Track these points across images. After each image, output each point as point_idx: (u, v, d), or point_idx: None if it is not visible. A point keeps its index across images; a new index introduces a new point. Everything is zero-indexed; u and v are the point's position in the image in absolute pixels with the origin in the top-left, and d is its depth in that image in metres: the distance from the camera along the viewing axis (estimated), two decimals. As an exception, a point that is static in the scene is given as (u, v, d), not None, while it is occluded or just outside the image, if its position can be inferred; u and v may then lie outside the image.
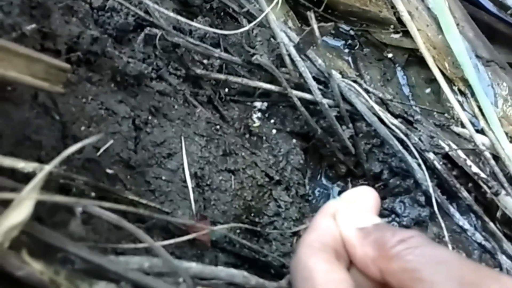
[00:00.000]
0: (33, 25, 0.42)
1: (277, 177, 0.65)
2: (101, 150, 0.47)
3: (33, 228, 0.29)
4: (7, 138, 0.39)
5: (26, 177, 0.33)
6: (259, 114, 0.72)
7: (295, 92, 0.66)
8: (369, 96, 0.69)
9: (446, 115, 0.84)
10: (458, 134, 0.79)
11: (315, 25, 0.64)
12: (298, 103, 0.65)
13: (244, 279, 0.38)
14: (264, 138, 0.69)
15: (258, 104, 0.72)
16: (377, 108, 0.66)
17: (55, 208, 0.35)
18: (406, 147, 0.66)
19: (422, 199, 0.68)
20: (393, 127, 0.65)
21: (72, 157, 0.43)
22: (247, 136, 0.68)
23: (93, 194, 0.42)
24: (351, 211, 0.41)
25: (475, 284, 0.30)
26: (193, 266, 0.36)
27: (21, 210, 0.27)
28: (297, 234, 0.62)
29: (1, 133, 0.38)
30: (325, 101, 0.65)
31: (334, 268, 0.37)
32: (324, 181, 0.77)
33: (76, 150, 0.42)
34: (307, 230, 0.43)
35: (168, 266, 0.34)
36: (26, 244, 0.29)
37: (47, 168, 0.31)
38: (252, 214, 0.60)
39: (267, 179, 0.64)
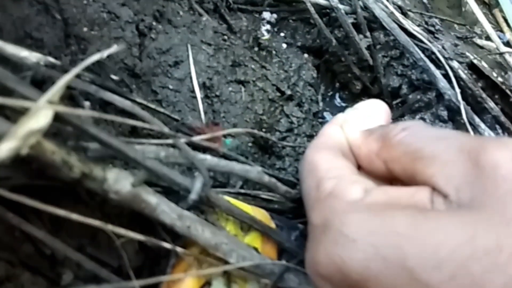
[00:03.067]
0: None
1: (288, 92, 0.65)
2: (106, 53, 0.48)
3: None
4: (7, 34, 0.40)
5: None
6: (268, 27, 0.72)
7: (308, -3, 0.66)
8: (388, 3, 0.69)
9: (468, 27, 0.84)
10: (481, 47, 0.79)
11: None
12: (312, 10, 0.65)
13: (258, 175, 0.40)
14: (274, 52, 0.69)
15: (267, 15, 0.72)
16: (397, 14, 0.66)
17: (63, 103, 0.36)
18: (428, 55, 0.66)
19: (444, 113, 0.69)
20: (415, 33, 0.65)
21: (76, 57, 0.44)
22: (256, 49, 0.68)
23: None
24: (359, 119, 0.43)
25: (474, 148, 0.32)
26: (208, 158, 0.37)
27: (40, 118, 0.28)
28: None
29: (2, 27, 0.39)
30: (341, 6, 0.65)
31: (337, 157, 0.39)
32: (337, 101, 0.78)
33: (79, 50, 0.43)
34: (315, 137, 0.45)
35: (183, 156, 0.35)
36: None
37: (67, 76, 0.32)
38: (264, 130, 0.61)
39: (278, 94, 0.64)
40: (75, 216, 0.30)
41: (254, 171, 0.40)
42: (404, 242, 0.29)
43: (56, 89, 0.29)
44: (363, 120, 0.43)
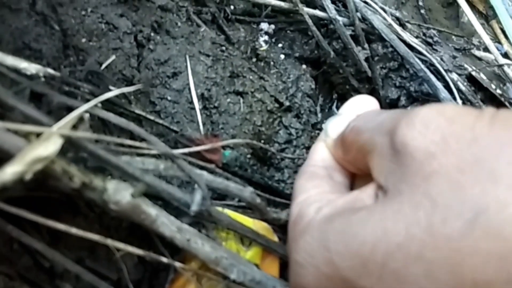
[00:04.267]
0: None
1: (287, 103, 0.65)
2: (104, 65, 0.48)
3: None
4: (6, 45, 0.40)
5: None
6: (266, 38, 0.72)
7: (306, 9, 0.66)
8: (386, 15, 0.69)
9: (465, 38, 0.84)
10: (479, 59, 0.80)
11: None
12: (310, 22, 0.65)
13: (250, 195, 0.40)
14: (272, 63, 0.69)
15: (265, 26, 0.72)
16: (395, 26, 0.67)
17: (60, 112, 0.36)
18: (427, 67, 0.66)
19: (443, 125, 0.69)
20: (413, 44, 0.65)
21: (75, 68, 0.44)
22: (254, 60, 0.68)
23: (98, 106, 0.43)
24: (341, 125, 0.40)
25: (392, 129, 0.30)
26: (205, 174, 0.37)
27: (49, 145, 0.28)
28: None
29: (0, 37, 0.39)
30: (339, 18, 0.65)
31: (311, 179, 0.38)
32: (336, 112, 0.78)
33: (78, 61, 0.43)
34: None
35: (181, 169, 0.35)
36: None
37: (84, 107, 0.32)
38: (262, 141, 0.61)
39: (276, 105, 0.64)
40: (74, 230, 0.29)
41: (247, 191, 0.40)
42: (333, 255, 0.29)
43: (70, 119, 0.29)
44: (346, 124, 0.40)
